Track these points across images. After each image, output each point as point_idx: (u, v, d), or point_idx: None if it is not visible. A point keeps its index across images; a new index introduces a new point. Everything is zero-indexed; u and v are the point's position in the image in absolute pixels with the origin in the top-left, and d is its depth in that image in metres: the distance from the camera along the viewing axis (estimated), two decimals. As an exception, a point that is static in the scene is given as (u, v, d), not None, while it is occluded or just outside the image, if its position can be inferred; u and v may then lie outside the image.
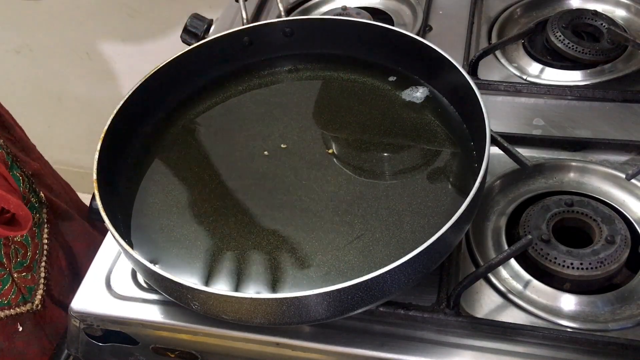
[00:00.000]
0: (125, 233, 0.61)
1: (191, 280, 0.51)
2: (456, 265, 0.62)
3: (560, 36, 0.81)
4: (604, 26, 0.81)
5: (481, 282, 0.61)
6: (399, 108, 0.70)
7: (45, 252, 0.81)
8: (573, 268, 0.58)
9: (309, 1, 0.98)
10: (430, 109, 0.70)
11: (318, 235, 0.59)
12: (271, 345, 0.60)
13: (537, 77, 0.81)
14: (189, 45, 0.76)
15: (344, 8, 0.92)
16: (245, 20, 0.80)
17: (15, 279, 0.76)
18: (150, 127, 0.71)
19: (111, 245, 0.69)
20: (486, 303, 0.60)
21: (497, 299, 0.60)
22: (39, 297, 0.78)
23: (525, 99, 0.79)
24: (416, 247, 0.49)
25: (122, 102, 0.66)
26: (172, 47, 0.78)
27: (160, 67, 0.70)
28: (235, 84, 0.76)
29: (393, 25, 0.86)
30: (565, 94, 0.78)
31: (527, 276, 0.61)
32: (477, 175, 0.54)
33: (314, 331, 0.59)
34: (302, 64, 0.78)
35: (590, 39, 0.82)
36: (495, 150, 0.61)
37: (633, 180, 0.65)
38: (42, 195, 0.85)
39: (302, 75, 0.77)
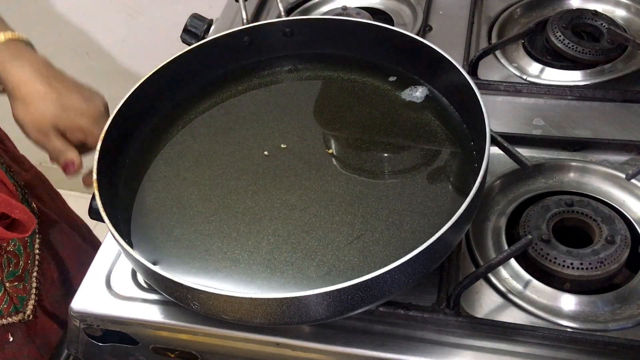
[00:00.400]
0: (125, 233, 0.61)
1: (191, 280, 0.51)
2: (456, 265, 0.62)
3: (560, 36, 0.81)
4: (604, 26, 0.81)
5: (481, 282, 0.61)
6: (399, 108, 0.70)
7: (36, 262, 0.81)
8: (573, 268, 0.58)
9: (309, 1, 0.98)
10: (430, 109, 0.70)
11: (318, 235, 0.59)
12: (271, 345, 0.60)
13: (537, 77, 0.81)
14: (189, 45, 0.76)
15: (344, 8, 0.92)
16: (245, 20, 0.80)
17: (8, 289, 0.75)
18: (150, 127, 0.71)
19: (111, 245, 0.69)
20: (486, 303, 0.60)
21: (497, 299, 0.60)
22: (30, 307, 0.78)
23: (525, 99, 0.79)
24: (416, 247, 0.49)
25: (122, 102, 0.66)
26: (172, 47, 0.78)
27: (160, 67, 0.70)
28: (235, 84, 0.76)
29: (393, 25, 0.86)
30: (565, 94, 0.78)
31: (527, 276, 0.61)
32: (477, 175, 0.54)
33: (314, 331, 0.59)
34: (302, 64, 0.78)
35: (590, 39, 0.82)
36: (495, 150, 0.61)
37: (633, 180, 0.65)
38: (34, 205, 0.85)
39: (302, 75, 0.77)
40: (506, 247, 0.63)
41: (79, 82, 0.72)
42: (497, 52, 0.85)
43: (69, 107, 0.68)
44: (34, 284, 0.80)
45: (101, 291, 0.65)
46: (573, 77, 0.80)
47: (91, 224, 0.82)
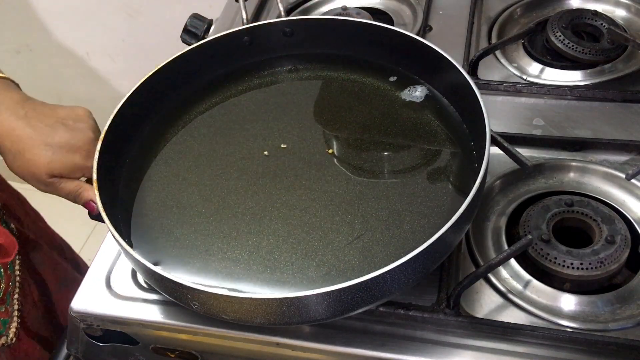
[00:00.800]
0: (125, 233, 0.61)
1: (191, 280, 0.51)
2: (456, 265, 0.62)
3: (560, 36, 0.81)
4: (604, 26, 0.81)
5: (481, 282, 0.61)
6: (399, 108, 0.70)
7: (17, 284, 0.80)
8: (573, 268, 0.58)
9: (309, 1, 0.98)
10: (430, 109, 0.70)
11: (318, 235, 0.59)
12: (271, 345, 0.60)
13: (537, 77, 0.81)
14: (189, 45, 0.76)
15: (344, 8, 0.92)
16: (245, 20, 0.80)
17: None
18: (150, 127, 0.71)
19: (111, 245, 0.69)
20: (486, 303, 0.60)
21: (497, 299, 0.60)
22: (13, 330, 0.77)
23: (525, 99, 0.79)
24: (416, 247, 0.49)
25: (122, 102, 0.66)
26: (172, 47, 0.78)
27: (160, 67, 0.70)
28: (235, 84, 0.76)
29: (393, 25, 0.86)
30: (565, 94, 0.78)
31: (527, 276, 0.61)
32: (477, 175, 0.54)
33: (314, 331, 0.59)
34: (302, 64, 0.78)
35: (590, 39, 0.82)
36: (495, 150, 0.61)
37: (633, 180, 0.65)
38: (13, 226, 0.84)
39: (302, 75, 0.77)
40: (506, 247, 0.63)
41: (57, 109, 0.69)
42: (497, 52, 0.85)
43: (57, 147, 0.65)
44: (16, 307, 0.78)
45: (101, 291, 0.65)
46: (573, 77, 0.80)
47: (78, 237, 0.79)
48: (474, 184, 0.53)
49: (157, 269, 0.52)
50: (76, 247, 1.05)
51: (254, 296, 0.49)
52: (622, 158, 0.70)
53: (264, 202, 0.62)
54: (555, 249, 0.60)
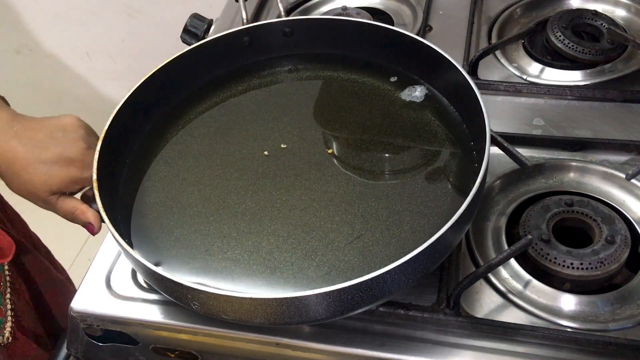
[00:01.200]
0: (125, 233, 0.61)
1: (191, 280, 0.51)
2: (456, 265, 0.62)
3: (560, 36, 0.81)
4: (604, 26, 0.81)
5: (481, 282, 0.61)
6: (399, 108, 0.70)
7: (8, 283, 0.80)
8: (573, 268, 0.58)
9: (309, 1, 0.98)
10: (430, 109, 0.70)
11: (318, 235, 0.59)
12: (271, 345, 0.60)
13: (537, 77, 0.81)
14: (189, 45, 0.76)
15: (344, 8, 0.92)
16: (245, 20, 0.80)
17: None
18: (150, 127, 0.71)
19: (111, 245, 0.69)
20: (486, 303, 0.60)
21: (497, 299, 0.60)
22: (8, 329, 0.77)
23: (525, 99, 0.79)
24: (416, 247, 0.49)
25: (122, 102, 0.66)
26: (172, 47, 0.78)
27: (160, 67, 0.70)
28: (235, 84, 0.76)
29: (393, 25, 0.86)
30: (565, 94, 0.78)
31: (527, 276, 0.61)
32: (477, 175, 0.54)
33: (314, 331, 0.59)
34: (302, 64, 0.78)
35: (590, 39, 0.82)
36: (495, 150, 0.61)
37: (633, 180, 0.65)
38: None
39: (302, 75, 0.77)
40: (506, 247, 0.63)
41: (45, 122, 0.68)
42: (497, 52, 0.85)
43: (51, 163, 0.65)
44: (9, 306, 0.78)
45: (101, 291, 0.65)
46: (573, 77, 0.80)
47: (78, 237, 0.79)
48: (474, 184, 0.53)
49: (157, 269, 0.52)
50: (76, 247, 1.05)
51: (254, 296, 0.49)
52: (622, 158, 0.70)
53: (264, 202, 0.62)
54: (555, 249, 0.60)
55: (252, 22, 0.76)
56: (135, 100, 0.67)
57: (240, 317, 0.52)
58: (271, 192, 0.63)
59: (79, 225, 0.69)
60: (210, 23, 0.92)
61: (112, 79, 1.69)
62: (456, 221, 0.50)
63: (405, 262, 0.49)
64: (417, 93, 0.71)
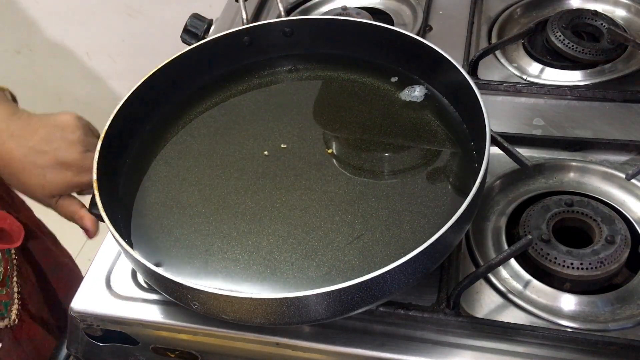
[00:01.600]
0: (125, 233, 0.61)
1: (191, 280, 0.51)
2: (456, 265, 0.62)
3: (560, 36, 0.81)
4: (604, 26, 0.81)
5: (481, 282, 0.61)
6: (399, 108, 0.70)
7: (15, 267, 0.81)
8: (573, 268, 0.58)
9: (309, 1, 0.98)
10: (430, 109, 0.70)
11: (318, 235, 0.59)
12: (271, 345, 0.60)
13: (537, 77, 0.81)
14: (189, 45, 0.76)
15: (344, 8, 0.92)
16: (245, 20, 0.80)
17: None
18: (150, 127, 0.71)
19: (111, 245, 0.69)
20: (486, 303, 0.60)
21: (497, 299, 0.60)
22: (14, 312, 0.78)
23: (525, 99, 0.79)
24: (416, 247, 0.49)
25: (122, 102, 0.66)
26: (172, 47, 0.78)
27: (160, 67, 0.70)
28: (235, 84, 0.76)
29: (393, 25, 0.86)
30: (565, 94, 0.78)
31: (527, 276, 0.61)
32: (477, 175, 0.54)
33: (314, 331, 0.59)
34: (302, 64, 0.78)
35: (590, 39, 0.82)
36: (495, 150, 0.61)
37: (633, 180, 0.65)
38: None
39: (302, 75, 0.77)
40: (506, 247, 0.63)
41: (43, 120, 0.67)
42: (497, 52, 0.85)
43: (48, 168, 0.65)
44: (16, 289, 0.79)
45: (101, 291, 0.65)
46: (573, 77, 0.80)
47: (78, 237, 0.80)
48: (474, 184, 0.53)
49: (157, 269, 0.52)
50: (76, 246, 1.05)
51: (254, 296, 0.49)
52: (622, 158, 0.70)
53: (264, 202, 0.62)
54: (555, 249, 0.60)
55: (252, 22, 0.76)
56: (136, 100, 0.67)
57: (240, 317, 0.52)
58: (271, 192, 0.63)
59: (80, 232, 0.70)
60: (210, 23, 0.92)
61: (112, 79, 1.69)
62: (456, 221, 0.50)
63: (405, 262, 0.49)
64: (416, 93, 0.71)
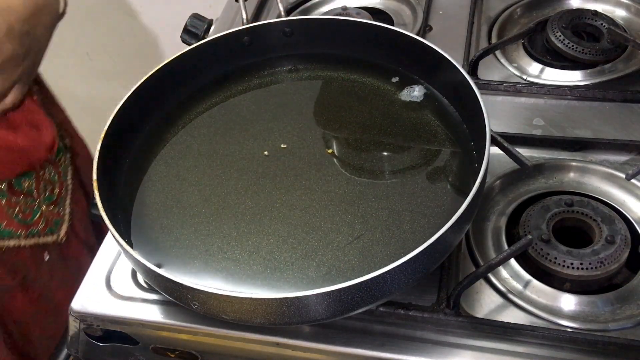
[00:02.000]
0: (125, 233, 0.61)
1: (191, 280, 0.51)
2: (456, 265, 0.62)
3: (560, 36, 0.81)
4: (604, 26, 0.81)
5: (481, 282, 0.61)
6: (399, 108, 0.70)
7: (70, 191, 0.89)
8: (573, 268, 0.58)
9: (309, 1, 0.98)
10: (430, 109, 0.70)
11: (318, 235, 0.59)
12: (271, 345, 0.60)
13: (537, 77, 0.81)
14: (189, 45, 0.76)
15: (344, 8, 0.92)
16: (245, 20, 0.80)
17: (44, 211, 0.85)
18: (150, 127, 0.71)
19: (111, 245, 0.69)
20: (486, 303, 0.60)
21: (497, 299, 0.60)
22: (64, 230, 0.86)
23: (525, 99, 0.79)
24: (416, 247, 0.49)
25: (122, 102, 0.66)
26: (172, 47, 0.78)
27: (160, 67, 0.70)
28: (235, 84, 0.76)
29: (393, 25, 0.86)
30: (565, 94, 0.78)
31: (527, 276, 0.61)
32: (477, 175, 0.54)
33: (314, 331, 0.59)
34: (302, 64, 0.78)
35: (590, 39, 0.82)
36: (495, 150, 0.61)
37: (633, 180, 0.65)
38: (67, 141, 0.94)
39: (302, 75, 0.77)
40: (506, 247, 0.63)
41: None
42: (497, 52, 0.85)
43: None
44: (67, 210, 0.88)
45: (101, 291, 0.65)
46: (573, 77, 0.80)
47: None
48: (474, 184, 0.53)
49: (158, 269, 0.52)
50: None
51: (254, 296, 0.49)
52: (622, 158, 0.70)
53: (264, 202, 0.62)
54: (555, 249, 0.60)
55: (252, 22, 0.76)
56: (135, 100, 0.67)
57: (240, 317, 0.52)
58: (271, 192, 0.63)
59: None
60: (210, 23, 0.92)
61: (112, 79, 1.69)
62: (456, 221, 0.50)
63: (405, 262, 0.49)
64: (416, 93, 0.71)
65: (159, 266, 0.53)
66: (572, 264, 0.59)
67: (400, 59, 0.72)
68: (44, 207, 0.85)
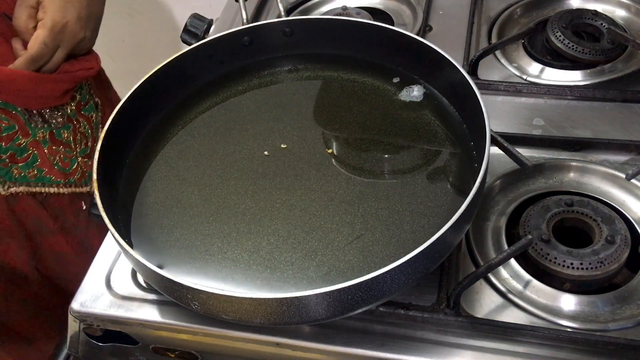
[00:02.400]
0: (125, 233, 0.61)
1: (191, 280, 0.51)
2: (456, 265, 0.62)
3: (560, 36, 0.81)
4: (604, 26, 0.81)
5: (481, 282, 0.61)
6: (399, 108, 0.70)
7: None
8: (573, 268, 0.58)
9: (309, 1, 0.98)
10: (431, 109, 0.70)
11: (318, 235, 0.59)
12: (271, 345, 0.60)
13: (537, 77, 0.81)
14: (189, 45, 0.76)
15: (344, 8, 0.92)
16: (245, 20, 0.80)
17: (80, 163, 0.91)
18: (150, 127, 0.71)
19: (111, 245, 0.69)
20: (486, 303, 0.60)
21: (497, 299, 0.60)
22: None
23: (525, 99, 0.79)
24: (416, 247, 0.49)
25: (122, 102, 0.66)
26: (172, 47, 0.78)
27: (161, 67, 0.70)
28: (235, 84, 0.76)
29: (393, 25, 0.86)
30: (565, 94, 0.78)
31: (527, 276, 0.61)
32: (477, 175, 0.54)
33: (314, 331, 0.59)
34: (302, 64, 0.78)
35: (590, 39, 0.82)
36: (495, 150, 0.61)
37: (633, 180, 0.65)
38: (97, 99, 0.97)
39: (302, 75, 0.77)
40: (506, 247, 0.63)
41: None
42: (497, 52, 0.85)
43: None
44: None
45: (101, 291, 0.65)
46: (573, 77, 0.80)
47: None
48: (474, 184, 0.53)
49: (158, 269, 0.52)
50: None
51: (254, 296, 0.49)
52: (622, 158, 0.70)
53: (264, 202, 0.62)
54: (555, 249, 0.60)
55: (252, 22, 0.76)
56: (135, 100, 0.67)
57: (240, 317, 0.52)
58: (271, 192, 0.63)
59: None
60: (210, 23, 0.92)
61: (112, 79, 1.69)
62: (456, 221, 0.50)
63: (405, 262, 0.49)
64: (415, 93, 0.71)
65: (159, 266, 0.53)
66: (572, 264, 0.59)
67: (400, 59, 0.72)
68: (80, 159, 0.91)
